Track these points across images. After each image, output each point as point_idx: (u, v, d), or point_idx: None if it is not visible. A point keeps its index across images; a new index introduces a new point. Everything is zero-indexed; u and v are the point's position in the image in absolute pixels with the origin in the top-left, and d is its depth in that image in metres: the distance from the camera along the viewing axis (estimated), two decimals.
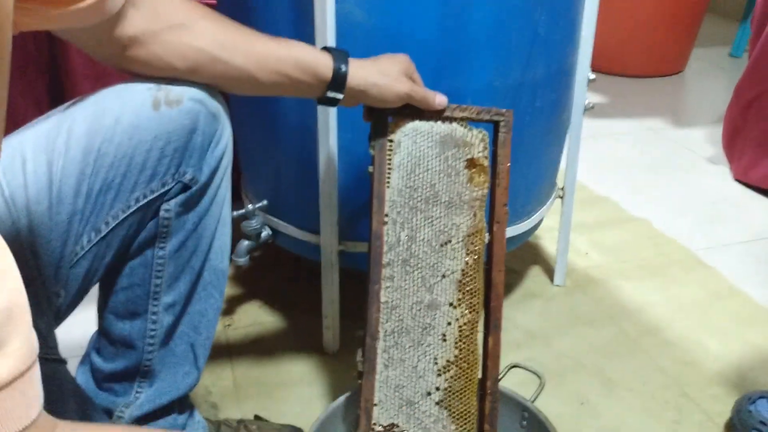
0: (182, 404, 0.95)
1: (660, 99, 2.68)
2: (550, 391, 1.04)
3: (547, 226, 1.54)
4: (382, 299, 0.94)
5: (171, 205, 0.83)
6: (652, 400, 1.18)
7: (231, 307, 1.41)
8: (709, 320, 1.39)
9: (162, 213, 0.83)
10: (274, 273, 1.52)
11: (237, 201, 1.23)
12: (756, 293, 1.47)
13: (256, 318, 1.38)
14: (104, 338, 0.89)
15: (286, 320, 1.37)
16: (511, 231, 1.25)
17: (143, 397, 0.90)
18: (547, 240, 1.64)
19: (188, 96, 0.78)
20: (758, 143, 1.92)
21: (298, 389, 1.19)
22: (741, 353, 1.29)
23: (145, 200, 0.80)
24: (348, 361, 1.22)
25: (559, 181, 1.43)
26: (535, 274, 1.53)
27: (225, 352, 1.28)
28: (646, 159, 2.17)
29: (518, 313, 1.39)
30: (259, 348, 1.29)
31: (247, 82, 0.80)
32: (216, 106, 0.81)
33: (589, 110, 1.34)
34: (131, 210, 0.79)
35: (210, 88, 0.81)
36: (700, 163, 2.14)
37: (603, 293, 1.45)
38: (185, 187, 0.83)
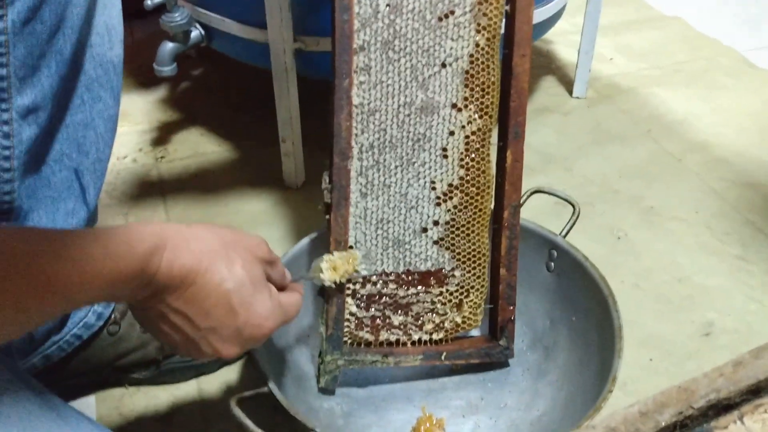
0: None
1: None
2: (576, 225, 0.78)
3: (560, 30, 1.23)
4: (355, 101, 0.66)
5: None
6: (708, 231, 0.93)
7: (164, 135, 1.13)
8: None
9: None
10: (218, 96, 1.23)
11: None
12: None
13: (197, 148, 1.11)
14: None
15: (235, 151, 1.11)
16: None
17: None
18: (562, 45, 1.33)
19: None
20: None
21: (250, 231, 0.92)
22: None
23: None
24: (315, 197, 0.96)
25: None
26: (548, 85, 1.25)
27: (157, 190, 1.03)
28: None
29: (530, 132, 1.10)
30: (200, 185, 1.04)
31: None
32: None
33: None
34: None
35: None
36: None
37: (634, 104, 1.21)
38: None
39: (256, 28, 0.91)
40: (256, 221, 0.95)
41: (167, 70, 0.96)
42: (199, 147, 1.09)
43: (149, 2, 0.91)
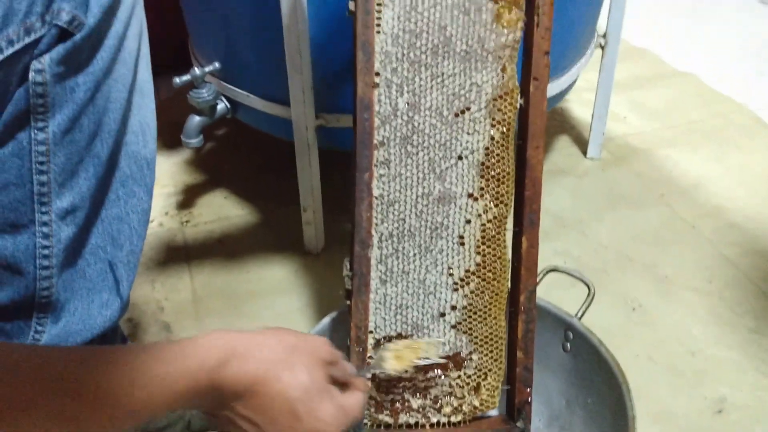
0: (106, 344, 0.71)
1: None
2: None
3: (575, 87, 1.25)
4: (375, 192, 0.69)
5: (45, 63, 0.56)
6: (721, 302, 0.95)
7: (189, 199, 1.16)
8: None
9: (33, 75, 0.56)
10: (241, 157, 1.26)
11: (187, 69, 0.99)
12: None
13: (221, 212, 1.14)
14: None
15: (258, 214, 1.14)
16: None
17: (46, 338, 0.66)
18: (576, 103, 1.36)
19: None
20: None
21: (272, 300, 0.97)
22: None
23: (1, 56, 0.53)
24: (335, 263, 0.99)
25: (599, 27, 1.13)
26: (562, 145, 1.27)
27: (182, 255, 1.06)
28: (688, 2, 1.83)
29: (545, 194, 1.13)
30: (224, 250, 1.07)
31: None
32: None
33: None
34: None
35: None
36: (752, 3, 1.81)
37: (648, 166, 1.23)
38: (64, 34, 0.56)
39: (279, 104, 0.95)
40: (278, 289, 0.98)
41: (194, 142, 1.01)
42: (223, 210, 1.13)
43: (177, 80, 0.95)
